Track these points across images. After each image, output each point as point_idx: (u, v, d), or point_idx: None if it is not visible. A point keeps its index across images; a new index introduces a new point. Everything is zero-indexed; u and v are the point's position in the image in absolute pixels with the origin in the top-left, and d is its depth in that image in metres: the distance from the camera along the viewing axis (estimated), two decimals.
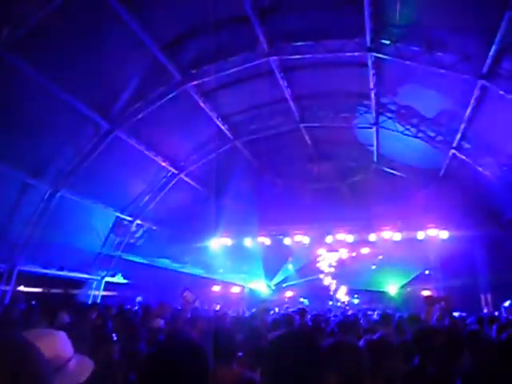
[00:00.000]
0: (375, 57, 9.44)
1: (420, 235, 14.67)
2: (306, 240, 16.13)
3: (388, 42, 9.00)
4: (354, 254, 17.79)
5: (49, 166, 10.26)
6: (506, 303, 7.62)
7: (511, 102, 8.18)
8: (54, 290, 11.28)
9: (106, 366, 2.79)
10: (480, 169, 11.10)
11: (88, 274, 12.63)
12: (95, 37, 8.23)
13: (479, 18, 7.29)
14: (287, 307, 14.03)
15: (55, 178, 10.54)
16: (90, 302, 11.80)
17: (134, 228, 14.07)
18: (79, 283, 12.39)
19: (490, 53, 7.64)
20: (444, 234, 14.19)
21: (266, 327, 5.54)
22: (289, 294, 18.91)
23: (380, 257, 16.88)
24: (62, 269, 11.47)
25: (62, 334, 1.58)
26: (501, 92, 8.28)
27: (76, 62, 8.50)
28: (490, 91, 8.66)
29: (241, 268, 17.06)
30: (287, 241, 16.14)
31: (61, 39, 7.85)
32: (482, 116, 9.70)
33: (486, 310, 12.58)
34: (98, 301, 12.23)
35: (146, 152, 12.05)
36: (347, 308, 16.36)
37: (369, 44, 9.05)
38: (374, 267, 17.84)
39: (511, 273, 12.33)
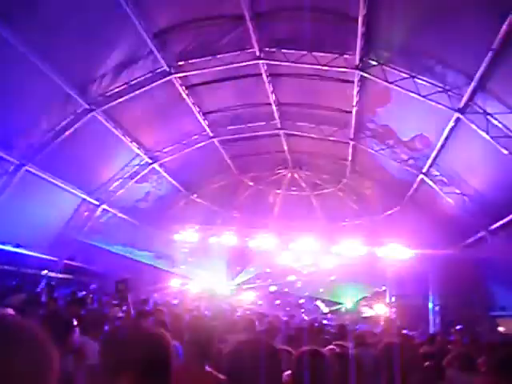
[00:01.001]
0: (361, 75, 9.70)
1: (380, 252, 15.14)
2: (270, 244, 16.28)
3: (375, 63, 9.27)
4: (313, 268, 18.14)
5: (18, 138, 9.82)
6: (458, 327, 8.04)
7: (481, 137, 8.64)
8: (7, 267, 10.79)
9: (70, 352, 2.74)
10: (445, 196, 11.61)
11: (46, 254, 12.17)
12: (85, 12, 7.96)
13: (464, 54, 7.66)
14: (247, 309, 14.10)
15: (23, 152, 10.11)
16: (44, 284, 11.43)
17: (99, 213, 13.70)
18: (35, 263, 11.90)
19: (469, 88, 8.03)
20: (403, 254, 14.70)
21: (225, 328, 5.56)
22: (248, 295, 19.00)
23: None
24: (18, 246, 11.01)
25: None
26: (473, 126, 8.71)
27: (61, 36, 8.20)
28: (463, 124, 9.08)
29: (204, 265, 17.00)
30: (252, 243, 16.23)
31: (47, 12, 7.57)
32: (452, 146, 10.14)
33: (432, 331, 13.15)
34: (53, 283, 11.81)
35: (121, 137, 11.77)
36: (304, 317, 16.61)
37: (357, 62, 9.29)
38: (333, 278, 18.20)
39: (459, 298, 13.01)
